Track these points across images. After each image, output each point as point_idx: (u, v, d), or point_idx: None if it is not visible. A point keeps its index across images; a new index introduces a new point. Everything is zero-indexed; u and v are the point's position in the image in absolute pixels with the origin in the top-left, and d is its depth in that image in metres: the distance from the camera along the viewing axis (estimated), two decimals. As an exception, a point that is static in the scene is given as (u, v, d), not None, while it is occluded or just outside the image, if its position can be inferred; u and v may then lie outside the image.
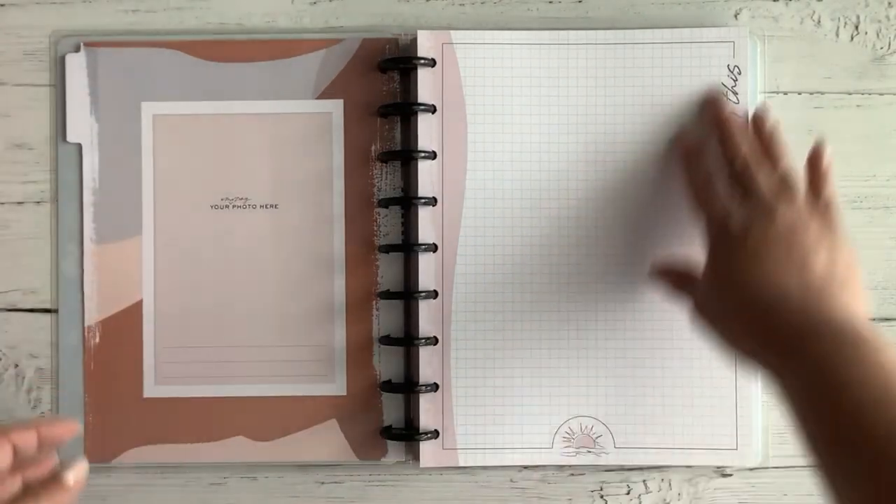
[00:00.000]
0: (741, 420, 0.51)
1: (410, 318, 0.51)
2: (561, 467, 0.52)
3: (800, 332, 0.39)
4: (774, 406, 0.52)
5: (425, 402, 0.50)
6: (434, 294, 0.50)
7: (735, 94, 0.50)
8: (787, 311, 0.40)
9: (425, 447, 0.50)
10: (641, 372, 0.51)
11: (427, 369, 0.50)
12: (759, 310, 0.41)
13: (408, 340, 0.50)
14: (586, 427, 0.51)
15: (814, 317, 0.39)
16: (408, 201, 0.50)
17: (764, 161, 0.46)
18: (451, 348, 0.50)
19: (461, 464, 0.51)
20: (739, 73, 0.50)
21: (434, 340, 0.50)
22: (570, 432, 0.51)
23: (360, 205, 0.52)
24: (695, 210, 0.48)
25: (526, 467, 0.52)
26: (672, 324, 0.50)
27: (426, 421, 0.50)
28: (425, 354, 0.50)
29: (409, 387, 0.51)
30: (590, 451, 0.51)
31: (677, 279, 0.48)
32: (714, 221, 0.45)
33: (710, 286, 0.45)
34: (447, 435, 0.50)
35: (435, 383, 0.50)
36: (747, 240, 0.43)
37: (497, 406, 0.51)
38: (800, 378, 0.37)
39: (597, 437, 0.51)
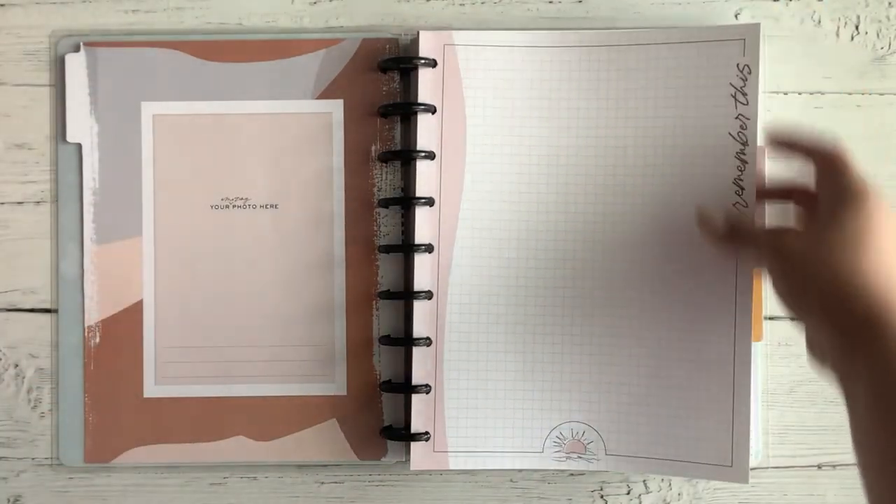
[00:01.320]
0: (737, 436, 0.48)
1: (410, 318, 0.51)
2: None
3: (873, 326, 0.38)
4: (774, 406, 0.52)
5: (417, 404, 0.50)
6: (429, 295, 0.50)
7: (744, 95, 0.48)
8: (864, 301, 0.39)
9: (416, 449, 0.50)
10: (635, 379, 0.50)
11: (420, 371, 0.50)
12: (841, 297, 0.40)
13: (408, 341, 0.50)
14: (577, 432, 0.50)
15: (884, 314, 0.39)
16: (408, 201, 0.50)
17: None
18: (444, 350, 0.50)
19: (451, 467, 0.50)
20: (749, 73, 0.48)
21: (428, 342, 0.50)
22: (560, 437, 0.50)
23: (360, 205, 0.52)
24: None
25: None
26: (666, 330, 0.50)
27: (417, 423, 0.50)
28: (419, 356, 0.50)
29: (408, 387, 0.51)
30: (580, 457, 0.50)
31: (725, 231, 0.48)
32: (769, 242, 0.44)
33: (794, 264, 0.43)
34: (438, 438, 0.50)
35: (427, 385, 0.50)
36: (843, 225, 0.41)
37: (488, 409, 0.50)
38: (864, 380, 0.38)
39: (588, 443, 0.50)
